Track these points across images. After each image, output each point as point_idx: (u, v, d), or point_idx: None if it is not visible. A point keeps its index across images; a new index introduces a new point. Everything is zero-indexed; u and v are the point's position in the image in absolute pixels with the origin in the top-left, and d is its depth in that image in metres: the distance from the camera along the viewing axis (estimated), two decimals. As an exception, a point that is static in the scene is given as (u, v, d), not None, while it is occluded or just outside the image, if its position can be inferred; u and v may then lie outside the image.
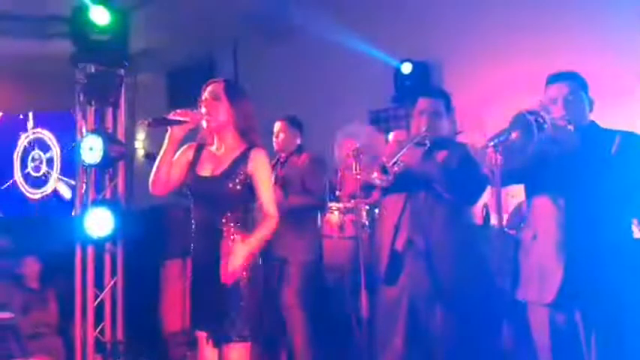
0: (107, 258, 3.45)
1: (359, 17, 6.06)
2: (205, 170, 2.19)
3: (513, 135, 2.02)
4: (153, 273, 4.19)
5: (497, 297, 3.26)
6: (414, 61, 5.36)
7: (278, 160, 3.50)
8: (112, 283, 3.43)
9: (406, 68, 5.38)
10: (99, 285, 3.44)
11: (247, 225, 2.20)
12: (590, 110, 2.39)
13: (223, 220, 2.13)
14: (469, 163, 2.69)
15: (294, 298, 3.34)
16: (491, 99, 4.59)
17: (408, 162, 2.55)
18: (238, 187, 2.15)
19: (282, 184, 3.35)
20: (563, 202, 2.28)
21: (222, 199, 2.16)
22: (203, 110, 2.18)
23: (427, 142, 2.61)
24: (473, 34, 5.24)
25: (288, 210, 3.27)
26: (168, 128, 2.15)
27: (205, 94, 2.21)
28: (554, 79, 2.40)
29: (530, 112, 2.13)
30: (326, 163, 3.62)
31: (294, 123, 3.58)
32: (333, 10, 6.23)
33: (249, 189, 2.18)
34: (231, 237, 2.12)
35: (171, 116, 2.11)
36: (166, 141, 2.16)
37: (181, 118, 2.11)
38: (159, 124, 2.13)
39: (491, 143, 2.03)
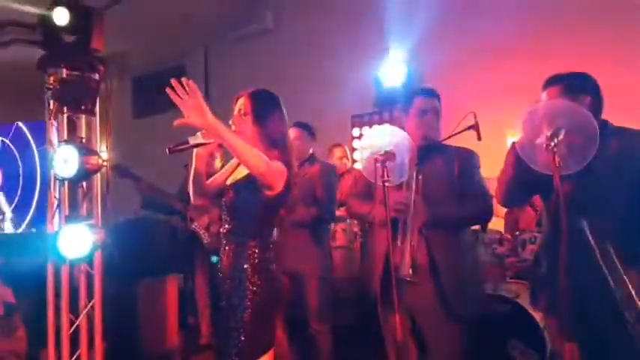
0: (83, 279, 3.15)
1: (337, 21, 5.94)
2: (230, 179, 2.26)
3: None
4: (130, 294, 3.89)
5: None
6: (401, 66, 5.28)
7: None
8: (89, 307, 3.14)
9: (394, 73, 5.28)
10: (73, 309, 3.14)
11: (264, 242, 2.18)
12: (598, 111, 2.22)
13: (235, 231, 2.16)
14: (476, 174, 2.61)
15: (318, 323, 3.23)
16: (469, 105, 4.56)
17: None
18: (241, 196, 2.15)
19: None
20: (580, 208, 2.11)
21: (229, 207, 2.19)
22: (232, 127, 2.18)
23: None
24: (450, 42, 5.19)
25: (302, 222, 3.17)
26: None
27: (235, 109, 2.21)
28: (547, 82, 2.29)
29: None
30: (336, 174, 3.50)
31: (309, 130, 3.43)
32: (310, 13, 6.09)
33: (256, 200, 2.12)
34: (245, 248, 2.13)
35: (193, 139, 2.08)
36: (194, 159, 2.21)
37: (204, 141, 2.08)
38: (181, 149, 2.09)
39: (552, 144, 1.85)
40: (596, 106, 2.21)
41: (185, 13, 6.59)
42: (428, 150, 2.59)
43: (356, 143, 5.59)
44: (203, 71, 7.37)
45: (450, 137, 2.91)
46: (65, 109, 3.09)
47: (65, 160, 2.90)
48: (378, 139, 2.35)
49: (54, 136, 3.14)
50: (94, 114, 3.19)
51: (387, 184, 2.17)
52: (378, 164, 2.18)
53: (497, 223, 4.08)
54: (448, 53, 5.14)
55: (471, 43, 5.02)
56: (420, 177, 2.46)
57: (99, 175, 3.23)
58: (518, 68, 4.68)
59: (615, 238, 2.05)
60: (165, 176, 4.68)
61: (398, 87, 5.27)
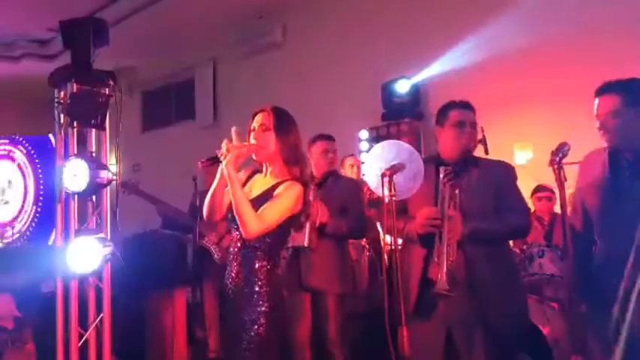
0: (92, 293, 3.16)
1: (345, 35, 5.98)
2: None
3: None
4: (139, 307, 3.90)
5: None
6: (408, 78, 5.30)
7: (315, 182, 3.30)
8: (98, 320, 3.14)
9: (402, 86, 5.29)
10: (82, 323, 3.14)
11: (275, 259, 2.18)
12: None
13: (246, 246, 2.16)
14: (514, 188, 2.56)
15: (336, 340, 3.15)
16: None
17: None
18: None
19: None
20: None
21: None
22: (252, 141, 2.20)
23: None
24: (456, 56, 5.20)
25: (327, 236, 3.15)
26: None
27: (254, 124, 2.21)
28: (602, 90, 2.07)
29: None
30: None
31: (333, 142, 3.43)
32: (319, 27, 6.13)
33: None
34: (256, 265, 2.14)
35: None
36: (218, 174, 2.19)
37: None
38: (211, 163, 2.14)
39: (557, 159, 1.86)
40: None
41: (194, 28, 6.67)
42: (465, 163, 2.54)
43: (364, 157, 5.58)
44: (212, 85, 7.41)
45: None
46: (75, 123, 3.12)
47: (75, 174, 2.92)
48: (386, 154, 2.35)
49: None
50: (103, 128, 3.21)
51: (393, 198, 2.17)
52: (385, 178, 2.18)
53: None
54: (454, 66, 5.16)
55: (477, 56, 5.03)
56: (457, 191, 2.42)
57: (108, 188, 3.25)
58: (525, 81, 4.68)
59: None
60: (174, 189, 4.70)
61: (405, 101, 5.28)
